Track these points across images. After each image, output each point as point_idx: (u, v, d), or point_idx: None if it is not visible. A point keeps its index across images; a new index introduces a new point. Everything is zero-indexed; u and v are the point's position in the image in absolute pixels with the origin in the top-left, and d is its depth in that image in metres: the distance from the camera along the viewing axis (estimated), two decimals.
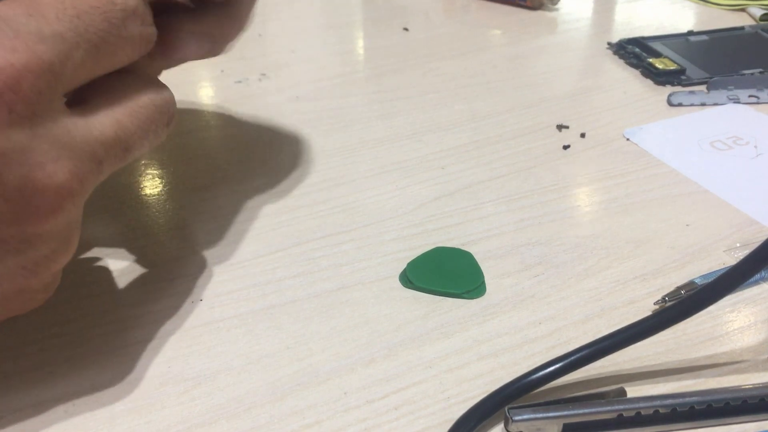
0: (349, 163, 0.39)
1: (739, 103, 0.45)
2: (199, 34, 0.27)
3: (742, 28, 0.57)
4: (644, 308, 0.29)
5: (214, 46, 0.28)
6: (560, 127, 0.43)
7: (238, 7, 0.29)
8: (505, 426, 0.24)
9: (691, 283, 0.29)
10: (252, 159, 0.40)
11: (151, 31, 0.24)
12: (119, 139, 0.22)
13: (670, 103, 0.45)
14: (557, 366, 0.24)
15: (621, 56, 0.52)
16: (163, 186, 0.38)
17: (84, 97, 0.22)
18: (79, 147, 0.21)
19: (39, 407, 0.25)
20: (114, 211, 0.35)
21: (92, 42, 0.21)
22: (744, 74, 0.48)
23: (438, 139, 0.42)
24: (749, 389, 0.24)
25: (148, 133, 0.23)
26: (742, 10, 0.61)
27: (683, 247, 0.32)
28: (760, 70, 0.49)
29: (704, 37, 0.55)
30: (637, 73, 0.50)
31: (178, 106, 0.25)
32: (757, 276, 0.29)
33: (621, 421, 0.23)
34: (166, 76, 0.28)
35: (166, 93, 0.25)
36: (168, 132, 0.25)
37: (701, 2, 0.63)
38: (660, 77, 0.48)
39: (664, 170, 0.38)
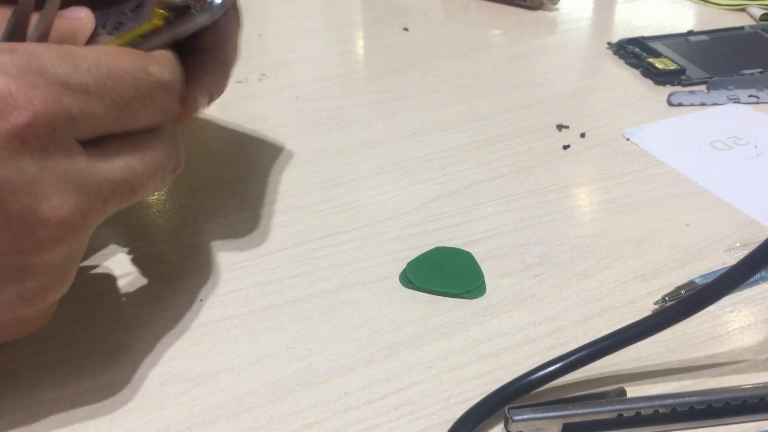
0: (349, 163, 0.39)
1: (739, 103, 0.45)
2: (206, 90, 0.27)
3: (742, 28, 0.57)
4: (644, 308, 0.29)
5: (212, 99, 0.28)
6: (560, 127, 0.43)
7: (227, 55, 0.29)
8: (505, 426, 0.24)
9: (691, 283, 0.29)
10: (252, 159, 0.40)
11: (176, 107, 0.24)
12: (127, 182, 0.22)
13: (670, 103, 0.45)
14: (557, 366, 0.24)
15: (621, 56, 0.52)
16: None
17: (99, 137, 0.22)
18: (87, 184, 0.21)
19: (39, 407, 0.25)
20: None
21: (116, 102, 0.21)
22: (744, 74, 0.48)
23: (438, 139, 0.42)
24: (749, 389, 0.24)
25: (156, 178, 0.24)
26: (742, 10, 0.61)
27: (683, 247, 0.32)
28: (760, 70, 0.49)
29: (704, 37, 0.55)
30: (637, 73, 0.50)
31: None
32: (757, 276, 0.29)
33: (621, 421, 0.23)
34: None
35: (177, 140, 0.25)
36: (174, 178, 0.25)
37: (701, 2, 0.63)
38: (660, 77, 0.48)
39: (664, 170, 0.38)
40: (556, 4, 0.62)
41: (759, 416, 0.24)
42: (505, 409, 0.23)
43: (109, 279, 0.31)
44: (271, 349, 0.27)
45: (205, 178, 0.38)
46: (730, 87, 0.46)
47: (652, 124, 0.43)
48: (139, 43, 0.23)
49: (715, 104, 0.45)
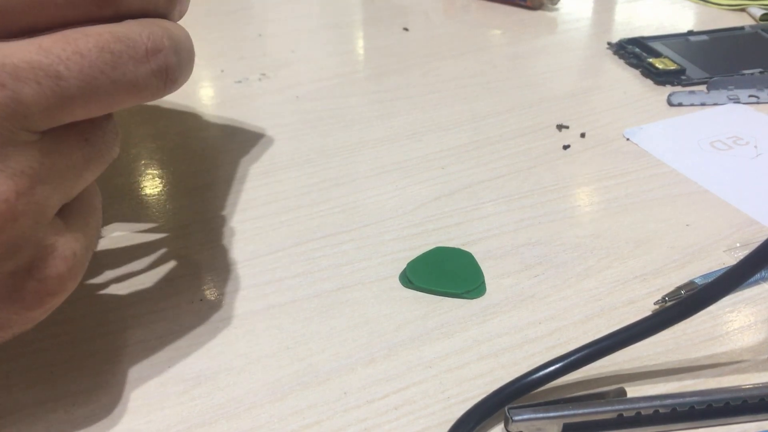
0: (349, 163, 0.39)
1: (739, 103, 0.45)
2: None
3: (742, 28, 0.57)
4: (644, 308, 0.29)
5: None
6: (560, 127, 0.43)
7: None
8: (505, 426, 0.24)
9: (691, 283, 0.29)
10: (252, 159, 0.40)
11: None
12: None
13: (670, 103, 0.45)
14: (557, 366, 0.24)
15: (621, 56, 0.52)
16: (163, 186, 0.38)
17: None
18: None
19: (39, 407, 0.25)
20: (114, 211, 0.35)
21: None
22: (744, 74, 0.48)
23: (438, 139, 0.42)
24: (749, 389, 0.24)
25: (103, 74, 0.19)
26: (742, 10, 0.61)
27: (683, 247, 0.32)
28: (760, 70, 0.49)
29: (704, 37, 0.55)
30: (637, 73, 0.50)
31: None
32: (757, 276, 0.29)
33: (621, 421, 0.23)
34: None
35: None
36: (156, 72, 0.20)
37: (701, 2, 0.63)
38: (660, 77, 0.48)
39: (664, 170, 0.38)
40: (556, 4, 0.62)
41: (759, 416, 0.24)
42: (505, 409, 0.23)
43: (109, 279, 0.31)
44: (271, 349, 0.27)
45: (205, 178, 0.38)
46: (730, 87, 0.46)
47: (652, 124, 0.43)
48: None
49: (715, 104, 0.45)
